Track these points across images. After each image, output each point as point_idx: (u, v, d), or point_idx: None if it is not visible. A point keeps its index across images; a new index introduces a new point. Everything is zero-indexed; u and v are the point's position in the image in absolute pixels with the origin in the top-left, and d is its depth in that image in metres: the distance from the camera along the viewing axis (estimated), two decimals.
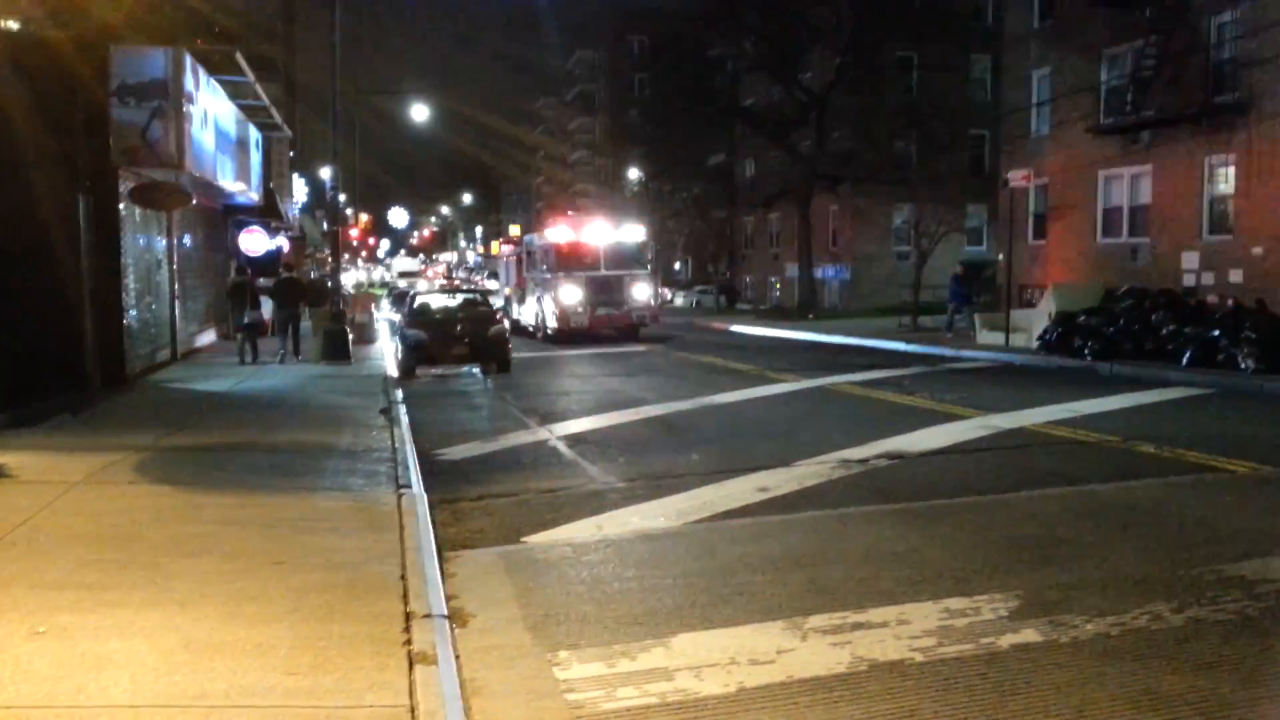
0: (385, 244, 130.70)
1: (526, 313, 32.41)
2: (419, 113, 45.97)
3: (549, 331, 29.38)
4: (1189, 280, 23.13)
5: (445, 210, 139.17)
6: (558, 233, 30.53)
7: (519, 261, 35.38)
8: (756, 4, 42.53)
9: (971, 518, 7.56)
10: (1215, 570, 5.99)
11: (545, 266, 30.24)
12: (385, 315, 34.84)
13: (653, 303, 30.80)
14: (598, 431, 12.39)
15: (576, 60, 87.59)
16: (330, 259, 27.96)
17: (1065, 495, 8.28)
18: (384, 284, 67.33)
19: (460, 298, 25.41)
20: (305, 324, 23.93)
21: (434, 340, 20.40)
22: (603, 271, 29.41)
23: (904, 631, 5.11)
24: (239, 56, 18.79)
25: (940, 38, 40.30)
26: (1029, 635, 5.00)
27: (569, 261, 29.45)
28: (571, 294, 28.86)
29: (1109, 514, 7.57)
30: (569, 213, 47.16)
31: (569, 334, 28.70)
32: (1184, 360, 17.67)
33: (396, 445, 10.88)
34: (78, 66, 14.23)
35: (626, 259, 30.21)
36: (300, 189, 43.21)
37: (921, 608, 5.44)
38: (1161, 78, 23.60)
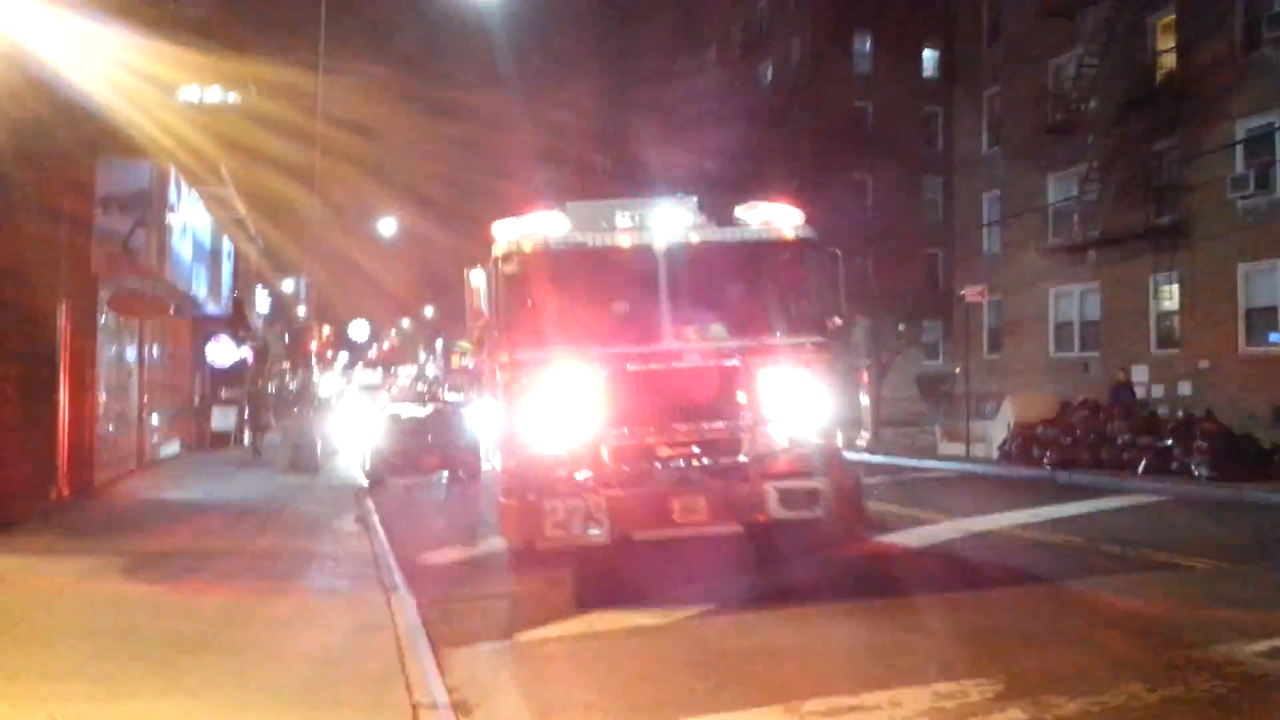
0: (344, 356, 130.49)
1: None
2: (386, 227, 46.83)
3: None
4: (1139, 393, 23.96)
5: (406, 323, 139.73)
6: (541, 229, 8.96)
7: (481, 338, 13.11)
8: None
9: (950, 612, 7.82)
10: (1185, 654, 6.29)
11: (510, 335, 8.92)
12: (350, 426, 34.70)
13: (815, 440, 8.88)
14: None
15: (539, 178, 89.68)
16: (296, 368, 28.10)
17: (1038, 589, 8.58)
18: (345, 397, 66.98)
19: (431, 407, 25.58)
20: (272, 435, 23.95)
21: (405, 450, 20.51)
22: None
23: (897, 714, 5.33)
24: (223, 168, 19.32)
25: (894, 162, 42.09)
26: (1016, 714, 5.24)
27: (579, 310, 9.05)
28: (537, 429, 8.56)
29: (1080, 606, 7.88)
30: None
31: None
32: (1139, 469, 18.23)
33: (377, 551, 10.97)
34: (63, 179, 14.56)
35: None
36: (263, 300, 43.47)
37: (912, 691, 5.67)
38: (1105, 200, 24.89)
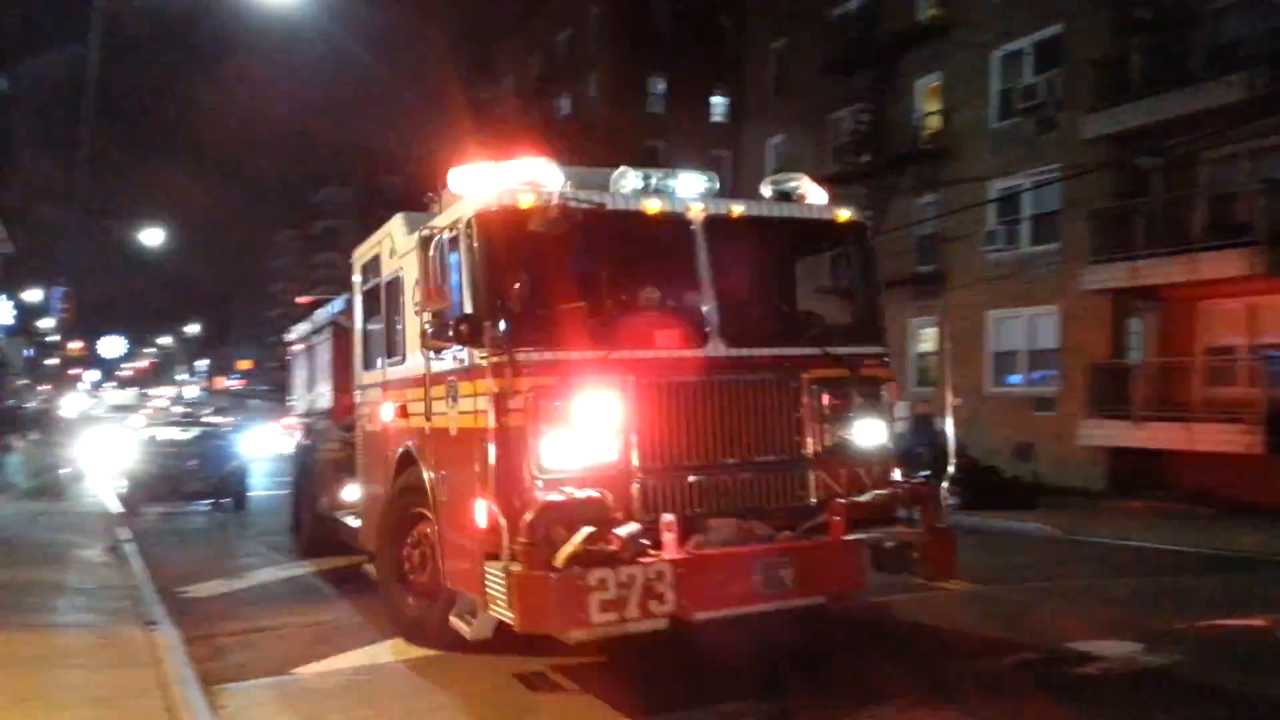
0: (95, 374, 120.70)
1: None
2: (151, 237, 43.64)
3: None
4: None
5: (166, 340, 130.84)
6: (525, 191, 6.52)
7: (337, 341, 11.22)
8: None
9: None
10: (950, 665, 6.70)
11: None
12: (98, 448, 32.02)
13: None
14: (356, 565, 11.99)
15: (324, 195, 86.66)
16: (39, 387, 25.68)
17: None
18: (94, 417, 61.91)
19: (195, 431, 23.96)
20: (10, 457, 21.77)
21: (165, 475, 19.10)
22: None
23: None
24: None
25: None
26: None
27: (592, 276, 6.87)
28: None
29: (862, 625, 8.24)
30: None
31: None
32: None
33: (133, 583, 10.11)
34: None
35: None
36: (6, 311, 39.59)
37: None
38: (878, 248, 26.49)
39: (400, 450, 7.75)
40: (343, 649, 7.63)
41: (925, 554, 6.62)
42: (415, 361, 7.29)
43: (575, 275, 6.63)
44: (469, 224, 6.35)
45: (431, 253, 6.22)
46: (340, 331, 11.02)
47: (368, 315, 9.26)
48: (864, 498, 6.58)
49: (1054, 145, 21.13)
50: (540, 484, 5.84)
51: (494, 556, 5.78)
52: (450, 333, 6.23)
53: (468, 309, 6.26)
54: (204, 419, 29.55)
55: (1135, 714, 6.05)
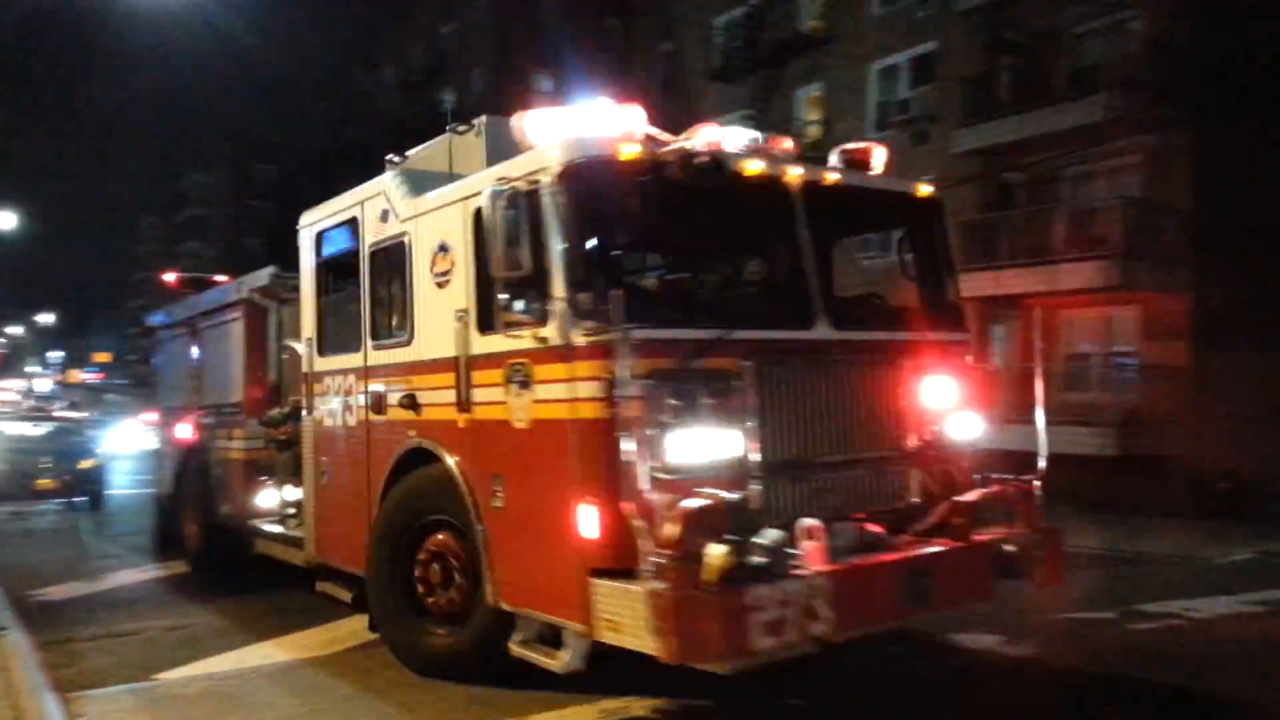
0: None
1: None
2: (2, 219, 41.13)
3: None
4: None
5: (17, 330, 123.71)
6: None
7: (251, 322, 10.00)
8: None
9: None
10: None
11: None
12: None
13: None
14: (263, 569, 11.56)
15: (193, 184, 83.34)
16: None
17: None
18: None
19: (47, 426, 22.70)
20: None
21: (13, 472, 18.07)
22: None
23: None
24: None
25: None
26: None
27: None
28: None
29: None
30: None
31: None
32: None
33: None
34: None
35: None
36: None
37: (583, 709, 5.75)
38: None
39: (404, 448, 6.64)
40: (207, 654, 7.35)
41: (1041, 557, 5.97)
42: (433, 341, 6.34)
43: (679, 241, 5.89)
44: (562, 176, 5.32)
45: (503, 212, 5.20)
46: (255, 311, 9.85)
47: (325, 291, 8.08)
48: (970, 496, 5.91)
49: (927, 158, 21.94)
50: (664, 485, 4.84)
51: (609, 572, 4.96)
52: (552, 304, 5.22)
53: (559, 277, 5.23)
54: (57, 414, 28.16)
55: (1000, 703, 6.31)
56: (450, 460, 6.15)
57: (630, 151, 5.37)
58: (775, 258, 6.26)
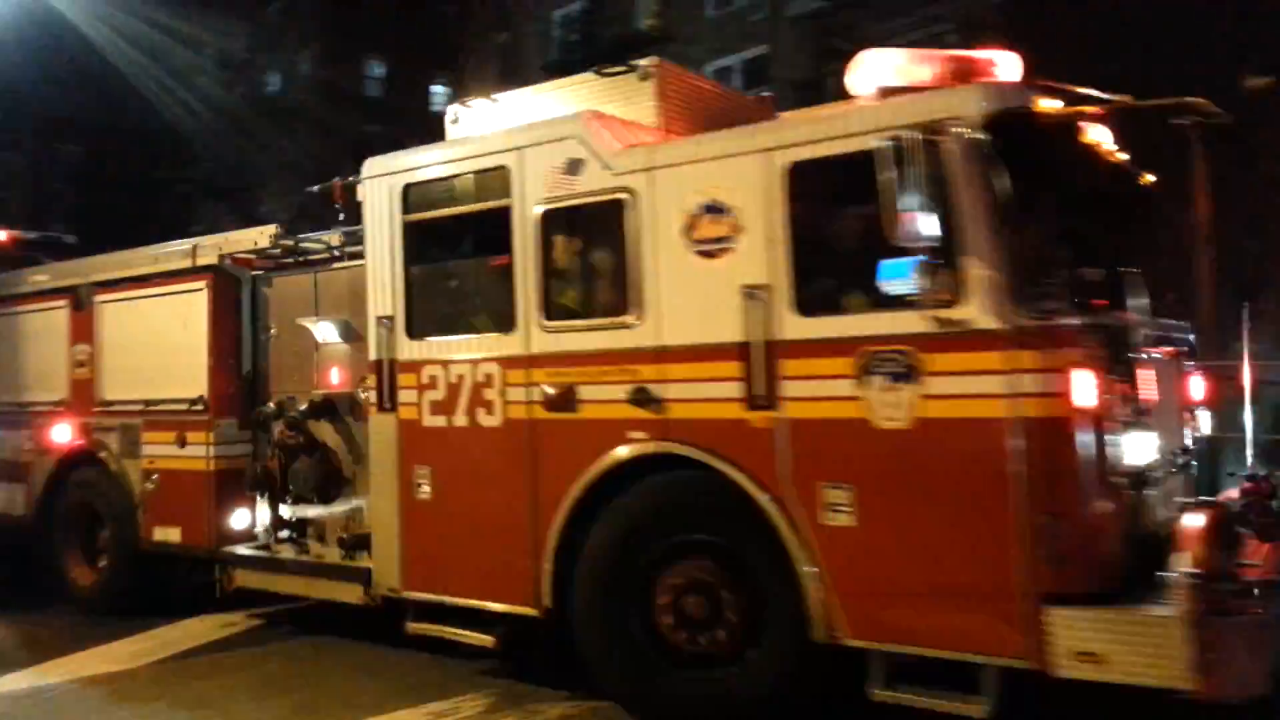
0: None
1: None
2: None
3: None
4: None
5: None
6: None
7: (218, 298, 8.06)
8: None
9: None
10: None
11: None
12: None
13: None
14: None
15: None
16: None
17: None
18: None
19: None
20: None
21: None
22: None
23: None
24: None
25: None
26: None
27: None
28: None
29: None
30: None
31: None
32: None
33: None
34: None
35: None
36: None
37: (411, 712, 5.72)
38: None
39: (629, 454, 5.39)
40: (2, 672, 6.87)
41: None
42: (689, 323, 5.28)
43: (1069, 214, 5.13)
44: (990, 126, 4.56)
45: (907, 167, 4.38)
46: (226, 281, 8.02)
47: (415, 258, 6.50)
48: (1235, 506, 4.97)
49: None
50: (1113, 493, 4.43)
51: (1065, 597, 4.32)
52: (968, 280, 4.47)
53: (983, 249, 4.50)
54: None
55: None
56: (729, 468, 5.11)
57: (1050, 106, 4.72)
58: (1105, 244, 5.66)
